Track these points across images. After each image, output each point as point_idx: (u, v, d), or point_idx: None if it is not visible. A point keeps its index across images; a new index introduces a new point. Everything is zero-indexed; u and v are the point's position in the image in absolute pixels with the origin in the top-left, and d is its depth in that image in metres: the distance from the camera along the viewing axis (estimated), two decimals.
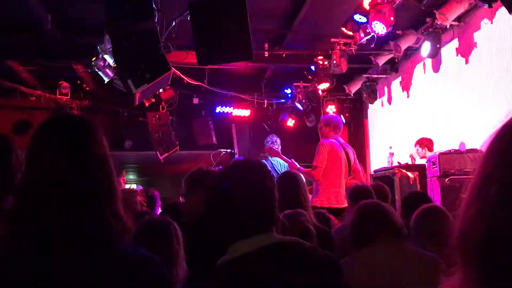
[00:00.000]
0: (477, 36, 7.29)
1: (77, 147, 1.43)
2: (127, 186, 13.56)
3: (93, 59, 7.44)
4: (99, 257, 1.38)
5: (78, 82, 9.63)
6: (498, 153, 0.77)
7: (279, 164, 7.47)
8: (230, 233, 1.78)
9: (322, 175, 5.96)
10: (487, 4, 5.84)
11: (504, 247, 0.71)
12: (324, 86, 9.67)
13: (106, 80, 7.64)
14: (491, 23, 6.93)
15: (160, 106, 10.32)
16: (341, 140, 6.48)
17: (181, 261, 2.43)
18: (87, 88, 9.83)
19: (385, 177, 6.21)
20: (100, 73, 7.57)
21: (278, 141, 7.84)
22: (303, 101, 10.77)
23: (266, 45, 8.91)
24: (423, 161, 7.28)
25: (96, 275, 1.37)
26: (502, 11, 6.24)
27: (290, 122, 11.65)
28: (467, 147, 6.64)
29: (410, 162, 7.26)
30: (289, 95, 11.32)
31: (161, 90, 9.09)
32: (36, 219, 1.36)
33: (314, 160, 6.19)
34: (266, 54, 8.96)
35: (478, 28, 7.23)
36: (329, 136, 6.36)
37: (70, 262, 1.36)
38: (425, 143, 7.50)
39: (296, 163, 6.45)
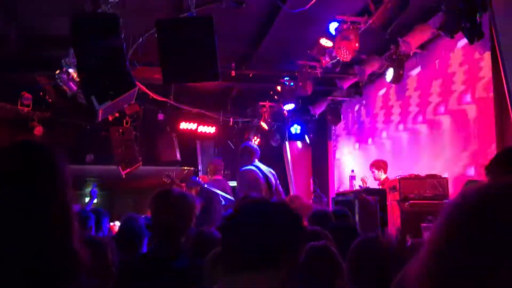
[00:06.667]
0: (439, 64, 7.49)
1: (32, 179, 1.36)
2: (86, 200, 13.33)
3: (57, 72, 7.33)
4: None
5: (41, 93, 9.46)
6: (452, 233, 0.77)
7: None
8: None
9: None
10: (449, 35, 6.01)
11: None
12: (289, 106, 9.76)
13: (70, 93, 7.52)
14: (453, 52, 7.13)
15: (124, 120, 10.22)
16: (260, 165, 6.59)
17: None
18: (50, 100, 9.64)
19: (346, 201, 6.27)
20: (63, 86, 7.46)
21: None
22: (268, 120, 10.82)
23: (233, 64, 8.94)
24: (375, 184, 7.37)
25: None
26: (464, 41, 6.44)
27: (255, 141, 11.67)
28: (427, 172, 6.76)
29: (362, 186, 7.31)
30: (255, 114, 11.36)
31: (125, 105, 8.99)
32: None
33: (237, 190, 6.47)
34: (233, 73, 8.99)
35: (441, 56, 7.43)
36: (248, 163, 6.50)
37: None
38: (381, 165, 7.60)
39: None
